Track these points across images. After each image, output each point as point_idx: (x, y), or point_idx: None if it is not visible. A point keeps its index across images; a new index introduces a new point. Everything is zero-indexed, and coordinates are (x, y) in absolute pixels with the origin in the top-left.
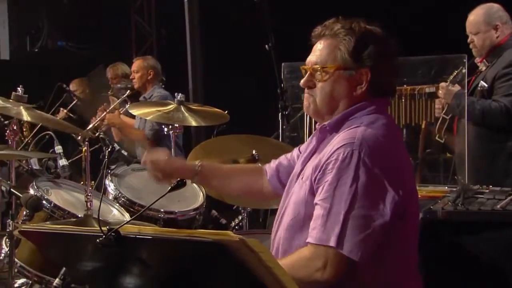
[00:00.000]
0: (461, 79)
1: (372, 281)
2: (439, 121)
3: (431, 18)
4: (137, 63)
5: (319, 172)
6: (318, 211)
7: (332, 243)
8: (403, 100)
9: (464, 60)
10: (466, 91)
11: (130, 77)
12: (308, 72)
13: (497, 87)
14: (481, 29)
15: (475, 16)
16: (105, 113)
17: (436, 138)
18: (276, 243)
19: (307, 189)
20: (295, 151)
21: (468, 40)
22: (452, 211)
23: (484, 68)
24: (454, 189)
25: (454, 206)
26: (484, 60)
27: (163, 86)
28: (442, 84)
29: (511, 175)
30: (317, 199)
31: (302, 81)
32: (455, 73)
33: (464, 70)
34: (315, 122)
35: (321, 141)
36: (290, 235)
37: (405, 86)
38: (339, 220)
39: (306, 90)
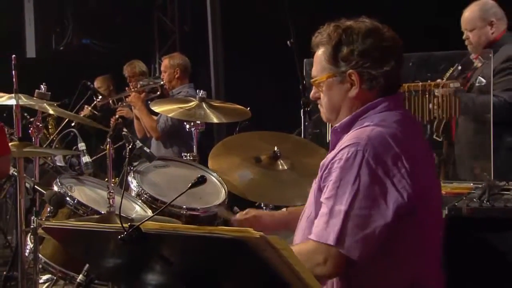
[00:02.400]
0: (457, 75)
1: (384, 280)
2: (437, 120)
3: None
4: (164, 63)
5: (325, 170)
6: (322, 209)
7: (331, 241)
8: (426, 95)
9: (490, 55)
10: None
11: (160, 77)
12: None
13: (495, 82)
14: (477, 25)
15: (470, 13)
16: (132, 90)
17: (434, 137)
18: (296, 242)
19: (316, 188)
20: None
21: (464, 37)
22: (477, 208)
23: (480, 64)
24: (480, 185)
25: (480, 203)
26: (480, 56)
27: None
28: (438, 81)
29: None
30: (322, 197)
31: (311, 94)
32: (451, 70)
33: (460, 67)
34: None
35: (335, 144)
36: (304, 235)
37: (429, 81)
38: (340, 219)
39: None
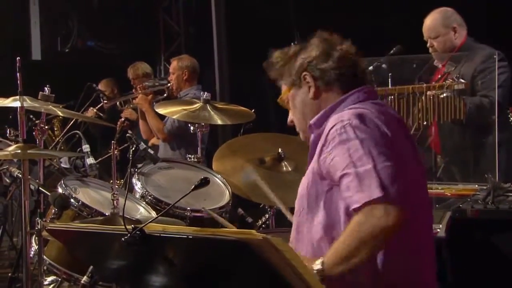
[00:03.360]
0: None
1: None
2: (413, 128)
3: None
4: (172, 65)
5: (321, 157)
6: (346, 180)
7: (377, 194)
8: (431, 97)
9: (494, 57)
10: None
11: (168, 78)
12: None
13: (477, 82)
14: (441, 32)
15: (432, 20)
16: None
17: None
18: (291, 241)
19: (309, 181)
20: None
21: (428, 45)
22: (482, 210)
23: (452, 68)
24: (484, 187)
25: (484, 204)
26: (449, 62)
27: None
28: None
29: (501, 165)
30: (338, 174)
31: (288, 121)
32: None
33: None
34: None
35: (313, 142)
36: (297, 231)
37: (433, 83)
38: (373, 175)
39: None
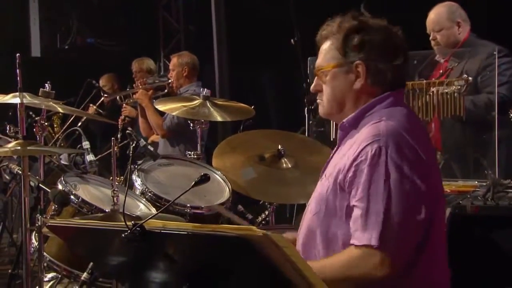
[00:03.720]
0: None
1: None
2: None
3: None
4: (172, 61)
5: (348, 172)
6: (356, 212)
7: (374, 242)
8: (430, 93)
9: (494, 53)
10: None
11: (168, 75)
12: (316, 77)
13: (483, 79)
14: (445, 26)
15: (437, 14)
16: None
17: None
18: (299, 237)
19: (330, 186)
20: None
21: (431, 38)
22: (481, 206)
23: (455, 64)
24: (484, 183)
25: (484, 201)
26: (452, 57)
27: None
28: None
29: (501, 162)
30: (353, 201)
31: (311, 87)
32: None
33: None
34: None
35: (342, 139)
36: (309, 230)
37: (433, 79)
38: (380, 219)
39: (317, 96)
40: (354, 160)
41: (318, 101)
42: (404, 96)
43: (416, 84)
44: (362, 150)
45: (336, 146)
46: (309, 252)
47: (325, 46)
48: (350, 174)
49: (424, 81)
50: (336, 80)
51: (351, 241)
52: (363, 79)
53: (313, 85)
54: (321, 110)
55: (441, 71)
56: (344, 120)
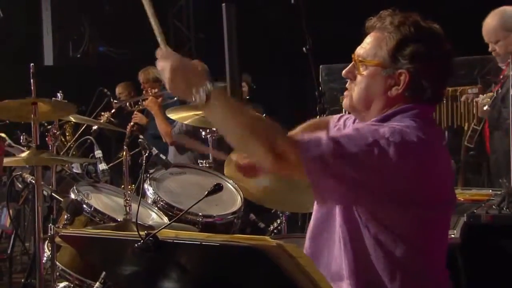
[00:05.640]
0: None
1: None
2: (470, 131)
3: (470, 18)
4: None
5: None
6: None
7: (302, 142)
8: (444, 101)
9: (509, 60)
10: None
11: None
12: (352, 62)
13: None
14: (501, 36)
15: (491, 24)
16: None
17: (465, 143)
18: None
19: None
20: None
21: (490, 49)
22: (496, 215)
23: None
24: (499, 192)
25: (499, 210)
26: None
27: None
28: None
29: None
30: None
31: (344, 70)
32: (491, 96)
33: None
34: None
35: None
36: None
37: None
38: (331, 146)
39: (347, 84)
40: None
41: (345, 92)
42: (431, 111)
43: None
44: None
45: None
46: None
47: (374, 38)
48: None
49: None
50: (373, 79)
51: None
52: (401, 89)
53: (345, 70)
54: (346, 102)
55: (501, 76)
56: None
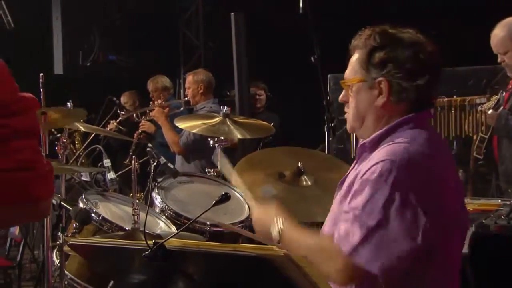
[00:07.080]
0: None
1: None
2: (477, 140)
3: (479, 28)
4: (188, 79)
5: (354, 185)
6: (346, 217)
7: (347, 250)
8: (452, 111)
9: None
10: None
11: (185, 93)
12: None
13: None
14: (509, 47)
15: (498, 35)
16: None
17: (474, 154)
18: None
19: (338, 201)
20: None
21: (499, 60)
22: (505, 226)
23: None
24: (508, 202)
25: (508, 220)
26: None
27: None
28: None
29: None
30: (349, 205)
31: (340, 97)
32: (495, 99)
33: (504, 94)
34: None
35: (359, 157)
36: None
37: (455, 97)
38: (362, 233)
39: (345, 109)
40: (363, 174)
41: (345, 115)
42: (429, 118)
43: (438, 102)
44: (373, 166)
45: (354, 163)
46: None
47: (353, 58)
48: (355, 187)
49: (445, 98)
50: (359, 95)
51: (335, 233)
52: (386, 97)
53: (341, 95)
54: (347, 125)
55: (510, 86)
56: (365, 141)
